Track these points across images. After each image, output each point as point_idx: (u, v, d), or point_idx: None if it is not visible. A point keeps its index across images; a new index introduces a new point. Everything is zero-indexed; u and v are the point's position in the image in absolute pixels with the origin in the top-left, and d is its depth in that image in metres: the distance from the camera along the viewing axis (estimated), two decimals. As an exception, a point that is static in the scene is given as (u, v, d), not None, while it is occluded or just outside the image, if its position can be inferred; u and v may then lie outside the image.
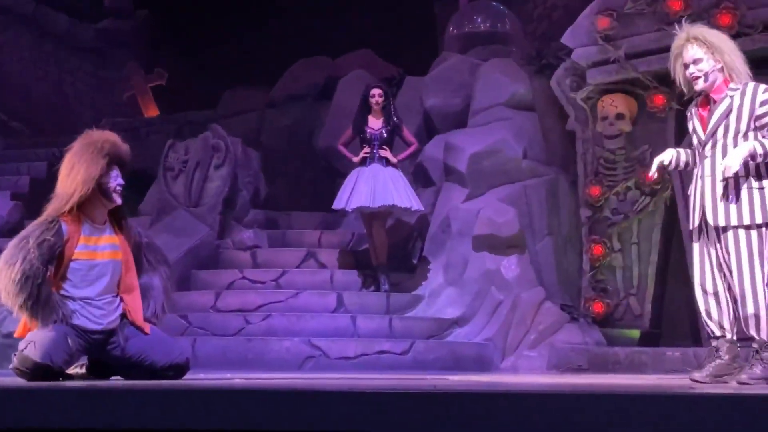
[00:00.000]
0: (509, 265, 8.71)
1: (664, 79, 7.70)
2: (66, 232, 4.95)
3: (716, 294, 4.99)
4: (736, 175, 4.89)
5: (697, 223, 5.03)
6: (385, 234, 9.06)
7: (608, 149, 8.99)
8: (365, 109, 9.08)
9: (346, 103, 10.60)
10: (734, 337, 5.01)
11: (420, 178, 9.86)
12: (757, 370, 4.89)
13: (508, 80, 9.77)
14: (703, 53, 4.97)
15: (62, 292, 4.96)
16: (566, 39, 9.12)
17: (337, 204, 8.99)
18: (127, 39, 16.08)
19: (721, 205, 4.93)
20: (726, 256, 4.95)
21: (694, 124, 5.08)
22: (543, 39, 11.22)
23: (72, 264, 4.96)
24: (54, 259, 4.90)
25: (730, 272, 4.93)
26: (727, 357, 4.98)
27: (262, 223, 10.14)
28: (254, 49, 14.49)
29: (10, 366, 4.90)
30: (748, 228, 4.90)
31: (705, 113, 5.03)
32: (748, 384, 4.80)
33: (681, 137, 8.25)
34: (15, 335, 5.04)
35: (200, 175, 9.95)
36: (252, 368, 7.46)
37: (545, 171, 9.46)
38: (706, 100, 5.05)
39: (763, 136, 4.91)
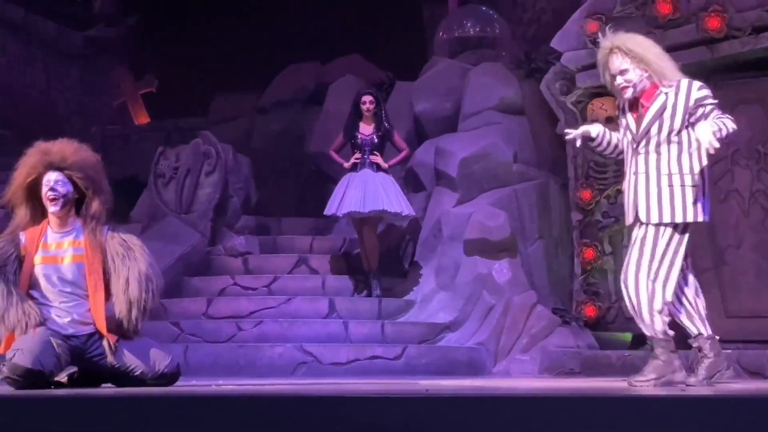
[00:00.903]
0: (501, 269, 8.71)
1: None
2: (23, 240, 5.06)
3: (677, 294, 4.96)
4: (669, 172, 4.89)
5: (631, 220, 5.05)
6: (376, 239, 9.06)
7: (598, 152, 8.98)
8: (356, 115, 9.09)
9: (336, 109, 10.60)
10: (709, 332, 4.98)
11: (411, 182, 9.87)
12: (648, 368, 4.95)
13: (497, 84, 9.78)
14: (628, 63, 4.92)
15: (33, 298, 4.98)
16: (555, 43, 9.13)
17: (329, 209, 8.99)
18: (116, 46, 16.06)
19: (654, 202, 4.92)
20: (631, 246, 4.95)
21: (627, 121, 5.04)
22: (532, 43, 11.22)
23: (35, 270, 5.01)
24: (6, 264, 4.99)
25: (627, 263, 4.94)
26: (712, 354, 4.97)
27: (253, 230, 10.13)
28: (244, 55, 14.47)
29: (0, 377, 4.87)
30: (665, 226, 4.89)
31: (635, 114, 5.00)
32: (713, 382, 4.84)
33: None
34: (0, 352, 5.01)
35: (191, 181, 9.94)
36: (244, 375, 7.45)
37: (535, 174, 9.47)
38: (636, 102, 5.01)
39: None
